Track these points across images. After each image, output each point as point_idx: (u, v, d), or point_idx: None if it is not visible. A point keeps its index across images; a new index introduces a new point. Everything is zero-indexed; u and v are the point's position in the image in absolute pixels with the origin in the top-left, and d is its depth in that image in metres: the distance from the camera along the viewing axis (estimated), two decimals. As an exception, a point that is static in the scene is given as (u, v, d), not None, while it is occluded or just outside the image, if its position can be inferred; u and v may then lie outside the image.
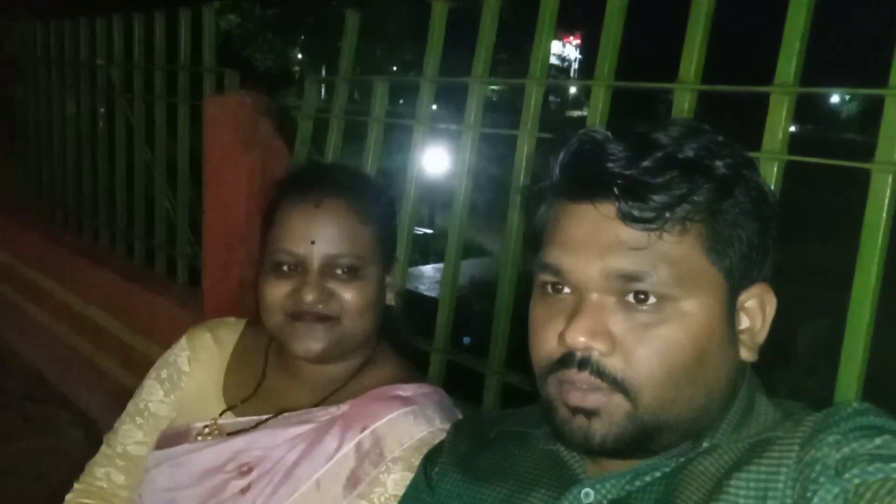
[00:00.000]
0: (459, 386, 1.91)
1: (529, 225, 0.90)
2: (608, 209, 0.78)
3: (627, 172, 0.77)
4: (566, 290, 0.82)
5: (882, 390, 1.14)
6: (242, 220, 2.50)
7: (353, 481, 1.14)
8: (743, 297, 0.83)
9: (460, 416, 1.21)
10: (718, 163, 0.79)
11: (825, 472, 0.72)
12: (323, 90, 2.78)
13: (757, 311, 0.84)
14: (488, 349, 1.83)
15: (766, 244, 0.83)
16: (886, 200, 1.21)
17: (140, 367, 3.04)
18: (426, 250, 10.52)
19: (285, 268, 1.18)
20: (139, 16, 3.27)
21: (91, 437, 3.13)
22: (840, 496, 0.69)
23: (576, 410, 0.80)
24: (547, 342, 0.83)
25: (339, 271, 1.17)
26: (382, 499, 1.11)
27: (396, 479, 1.12)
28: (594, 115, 1.64)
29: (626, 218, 0.77)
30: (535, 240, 0.89)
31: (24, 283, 4.14)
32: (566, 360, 0.80)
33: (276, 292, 1.18)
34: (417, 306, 1.45)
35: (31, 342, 4.00)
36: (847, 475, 0.70)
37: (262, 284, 1.20)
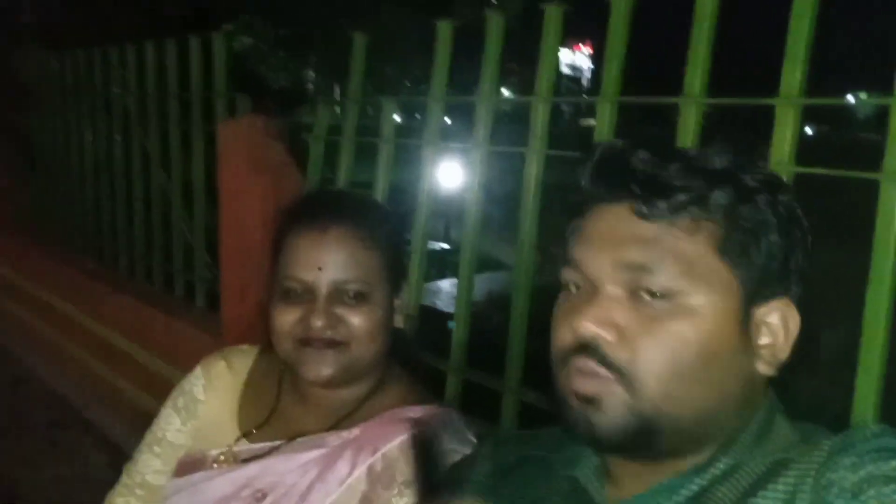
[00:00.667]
0: (479, 404, 1.92)
1: (556, 238, 0.92)
2: (627, 207, 0.82)
3: (646, 172, 0.81)
4: (584, 287, 0.84)
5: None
6: (258, 243, 2.52)
7: None
8: (763, 309, 0.82)
9: (471, 436, 1.21)
10: (746, 175, 0.81)
11: (842, 495, 0.71)
12: (337, 108, 2.81)
13: (779, 327, 0.83)
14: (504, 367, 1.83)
15: (790, 259, 0.83)
16: (896, 210, 1.20)
17: (161, 391, 3.06)
18: (442, 265, 10.48)
19: (293, 294, 1.19)
20: (151, 44, 3.32)
21: (115, 462, 3.12)
22: None
23: (582, 399, 0.82)
24: (563, 335, 0.84)
25: (346, 297, 1.18)
26: None
27: (409, 503, 1.12)
28: (601, 130, 1.64)
29: (641, 214, 0.80)
30: (564, 251, 0.90)
31: (46, 309, 4.19)
32: (577, 348, 0.82)
33: (286, 319, 1.19)
34: (435, 322, 1.45)
35: (55, 368, 4.04)
36: (863, 497, 0.69)
37: (271, 311, 1.21)
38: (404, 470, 1.14)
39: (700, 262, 0.80)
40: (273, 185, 2.51)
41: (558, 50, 1.73)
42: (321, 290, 1.17)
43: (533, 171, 1.77)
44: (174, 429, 1.33)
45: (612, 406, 0.80)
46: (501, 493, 0.97)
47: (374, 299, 1.20)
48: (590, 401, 0.81)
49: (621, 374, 0.80)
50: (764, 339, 0.83)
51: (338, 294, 1.18)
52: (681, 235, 0.80)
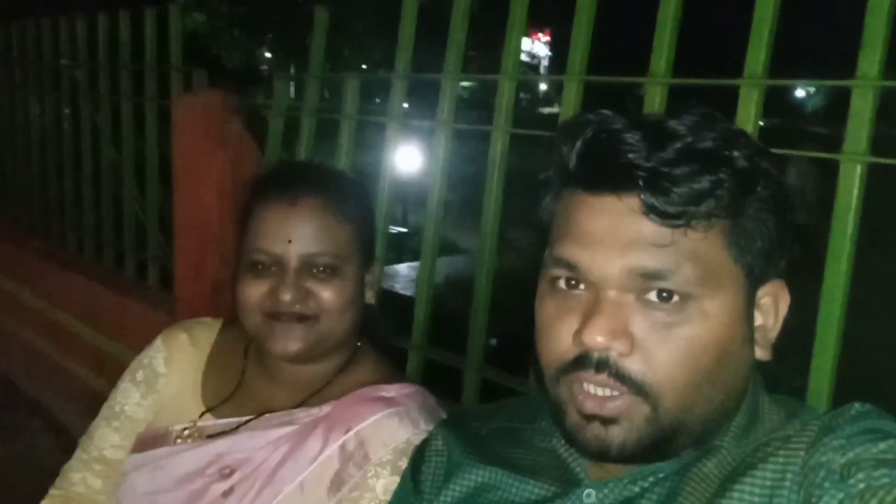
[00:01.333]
0: (438, 382, 1.92)
1: (532, 215, 0.86)
2: (631, 202, 0.75)
3: (649, 164, 0.74)
4: (581, 286, 0.78)
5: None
6: (214, 220, 2.47)
7: (336, 483, 1.13)
8: (760, 293, 0.81)
9: (443, 415, 1.21)
10: (737, 153, 0.76)
11: (830, 477, 0.70)
12: (293, 89, 2.76)
13: (770, 308, 0.82)
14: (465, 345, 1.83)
15: (786, 238, 0.81)
16: (855, 190, 1.23)
17: (112, 371, 3.00)
18: (400, 249, 10.47)
19: (261, 267, 1.16)
20: (103, 15, 3.22)
21: (63, 444, 3.08)
22: (845, 501, 0.68)
23: (591, 418, 0.77)
24: (560, 341, 0.78)
25: (316, 270, 1.16)
26: None
27: (385, 484, 1.11)
28: (567, 110, 1.64)
29: (651, 212, 0.74)
30: (539, 230, 0.85)
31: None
32: (582, 361, 0.76)
33: (253, 292, 1.17)
34: (393, 305, 1.44)
35: (0, 348, 3.93)
36: (852, 480, 0.69)
37: (238, 285, 1.18)
38: (378, 450, 1.13)
39: (713, 263, 0.76)
40: (231, 161, 2.46)
41: (525, 26, 1.72)
42: (290, 263, 1.15)
43: (498, 150, 1.77)
44: (133, 402, 1.30)
45: (632, 422, 0.76)
46: (476, 463, 0.95)
47: (344, 273, 1.18)
48: (605, 421, 0.76)
49: (637, 387, 0.75)
50: (758, 321, 0.82)
51: (307, 267, 1.16)
52: (695, 237, 0.74)
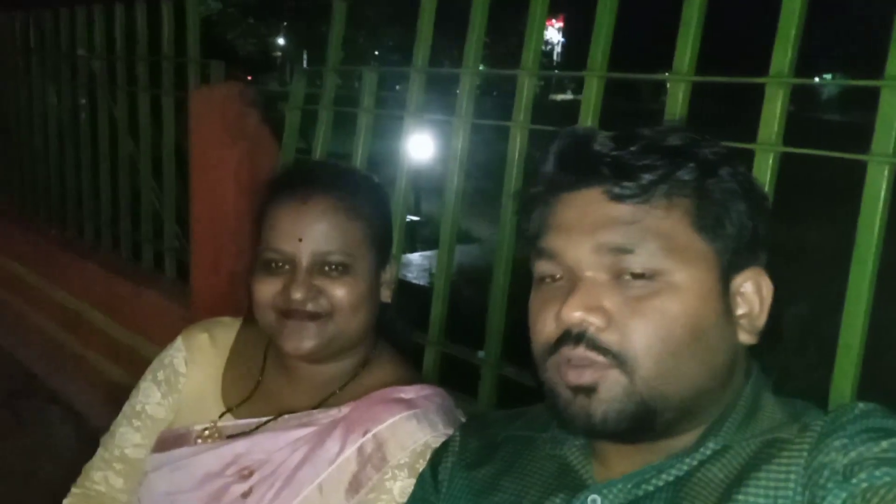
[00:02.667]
0: (456, 378, 1.92)
1: (524, 227, 0.91)
2: (598, 190, 0.82)
3: (614, 154, 0.81)
4: (561, 278, 0.84)
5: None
6: (231, 213, 2.48)
7: (354, 485, 1.13)
8: (738, 280, 0.84)
9: (463, 419, 1.20)
10: (703, 150, 0.83)
11: (833, 478, 0.72)
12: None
13: (753, 295, 0.85)
14: (483, 341, 1.83)
15: (757, 227, 0.85)
16: (882, 192, 1.21)
17: (129, 361, 3.04)
18: (413, 238, 10.47)
19: (274, 266, 1.16)
20: (121, 5, 3.22)
21: (81, 432, 3.11)
22: (848, 501, 0.69)
23: (576, 391, 0.81)
24: (545, 327, 0.84)
25: (328, 268, 1.15)
26: None
27: (402, 486, 1.10)
28: (587, 105, 1.63)
29: (615, 197, 0.81)
30: (530, 242, 0.90)
31: (8, 277, 4.10)
32: (563, 338, 0.81)
33: (267, 290, 1.17)
34: (406, 295, 1.43)
35: (19, 338, 3.96)
36: (854, 480, 0.70)
37: (252, 283, 1.18)
38: (396, 452, 1.13)
39: (678, 240, 0.80)
40: (248, 154, 2.47)
41: (545, 21, 1.70)
42: (301, 262, 1.15)
43: (517, 145, 1.76)
44: (154, 402, 1.30)
45: (610, 391, 0.79)
46: (488, 471, 0.97)
47: (357, 271, 1.17)
48: (586, 390, 0.80)
49: (615, 358, 0.79)
50: (741, 309, 0.84)
51: (319, 265, 1.15)
52: (657, 214, 0.80)
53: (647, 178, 0.80)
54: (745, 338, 0.84)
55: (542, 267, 0.86)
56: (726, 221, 0.82)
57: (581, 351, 0.80)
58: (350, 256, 1.16)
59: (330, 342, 1.18)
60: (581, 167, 0.83)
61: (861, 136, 1.27)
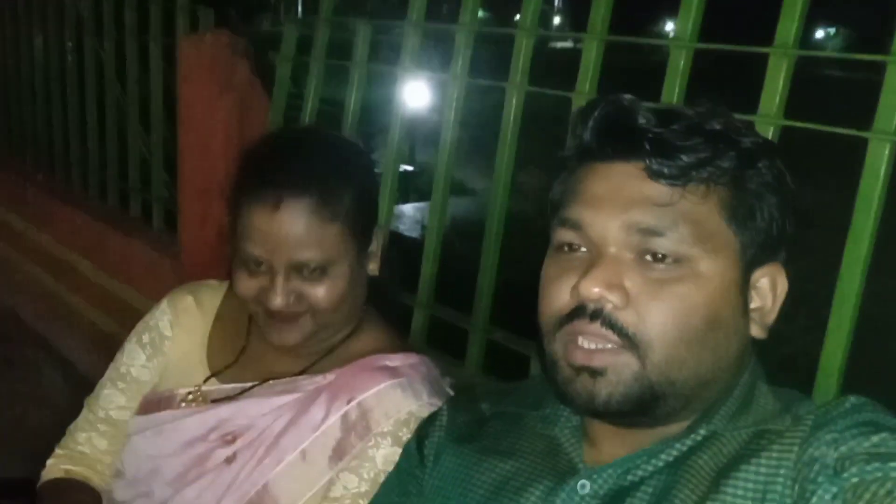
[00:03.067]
0: (445, 340, 1.91)
1: (549, 189, 0.90)
2: (636, 166, 0.80)
3: (657, 131, 0.79)
4: (583, 249, 0.82)
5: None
6: (220, 166, 2.43)
7: (338, 452, 1.13)
8: (757, 274, 0.83)
9: (448, 389, 1.20)
10: (744, 138, 0.82)
11: (824, 472, 0.72)
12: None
13: (768, 291, 0.84)
14: (472, 304, 1.82)
15: (785, 223, 0.84)
16: (882, 170, 1.19)
17: (117, 310, 3.02)
18: (406, 188, 10.33)
19: (253, 266, 1.13)
20: (108, -54, 3.12)
21: (69, 378, 3.11)
22: (839, 496, 0.69)
23: (580, 370, 0.80)
24: (559, 297, 0.82)
25: (306, 271, 1.12)
26: (371, 474, 1.11)
27: (385, 454, 1.11)
28: (586, 69, 1.59)
29: (654, 175, 0.78)
30: (552, 206, 0.88)
31: (-5, 222, 4.06)
32: (577, 311, 0.80)
33: (248, 287, 1.15)
34: (398, 247, 1.41)
35: (6, 283, 3.94)
36: (845, 474, 0.70)
37: (235, 273, 1.16)
38: (380, 420, 1.13)
39: (710, 228, 0.79)
40: (238, 105, 2.42)
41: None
42: (277, 269, 1.11)
43: (513, 107, 1.72)
44: (139, 364, 1.29)
45: (619, 374, 0.78)
46: (474, 446, 0.96)
47: (335, 271, 1.14)
48: (593, 372, 0.79)
49: (627, 338, 0.78)
50: (755, 303, 0.84)
51: (297, 269, 1.12)
52: (694, 199, 0.79)
53: (688, 160, 0.78)
54: (756, 332, 0.84)
55: (564, 235, 0.83)
56: (758, 214, 0.81)
57: (596, 327, 0.78)
58: (327, 259, 1.12)
59: (314, 333, 1.17)
60: (623, 139, 0.81)
61: (863, 94, 1.24)
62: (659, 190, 0.78)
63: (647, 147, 0.78)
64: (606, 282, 0.78)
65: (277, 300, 1.11)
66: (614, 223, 0.79)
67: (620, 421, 0.83)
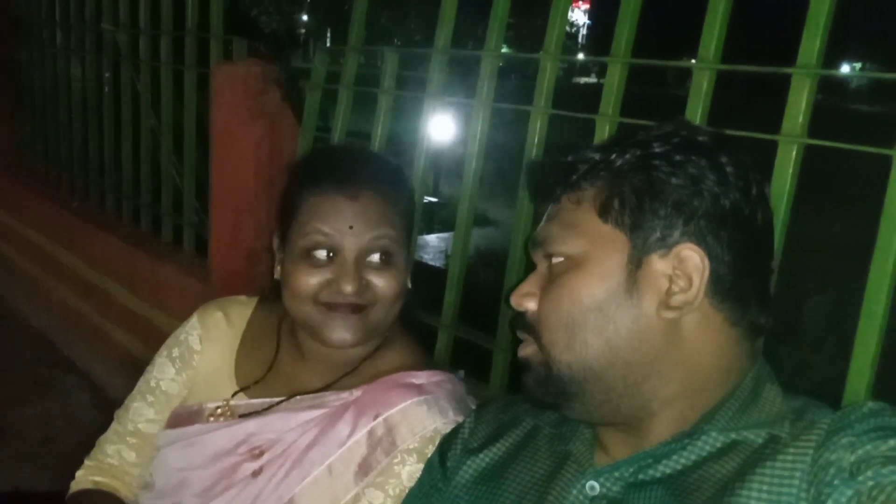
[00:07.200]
0: (469, 361, 1.92)
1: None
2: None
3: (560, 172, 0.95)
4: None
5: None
6: (251, 191, 2.48)
7: (364, 468, 1.14)
8: (653, 258, 0.85)
9: (473, 406, 1.20)
10: (624, 152, 0.91)
11: (839, 475, 0.72)
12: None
13: (673, 270, 0.85)
14: (496, 325, 1.83)
15: (695, 212, 0.85)
16: (907, 188, 1.18)
17: (146, 334, 3.07)
18: (430, 219, 10.43)
19: (317, 256, 1.16)
20: (145, -21, 3.22)
21: (97, 401, 3.16)
22: (854, 498, 0.69)
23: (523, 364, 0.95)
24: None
25: (373, 259, 1.17)
26: (397, 490, 1.11)
27: (411, 471, 1.11)
28: (609, 91, 1.61)
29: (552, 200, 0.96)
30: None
31: (30, 246, 4.14)
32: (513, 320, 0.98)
33: (310, 281, 1.17)
34: (422, 276, 1.44)
35: (39, 306, 4.01)
36: (861, 477, 0.70)
37: (292, 272, 1.18)
38: (406, 437, 1.13)
39: (585, 227, 0.90)
40: (268, 132, 2.47)
41: (571, 3, 1.68)
42: (350, 255, 1.16)
43: (536, 130, 1.74)
44: (168, 378, 1.31)
45: (531, 362, 0.92)
46: (495, 459, 0.99)
47: (397, 262, 1.19)
48: (523, 364, 0.94)
49: (532, 333, 0.91)
50: (660, 286, 0.85)
51: (364, 258, 1.17)
52: (569, 207, 0.92)
53: (557, 175, 0.94)
54: (667, 314, 0.85)
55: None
56: (635, 208, 0.87)
57: (519, 332, 0.94)
58: (393, 249, 1.19)
59: (369, 333, 1.20)
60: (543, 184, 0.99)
61: (890, 127, 1.24)
62: (549, 208, 0.96)
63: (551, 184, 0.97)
64: (520, 292, 0.95)
65: (350, 286, 1.15)
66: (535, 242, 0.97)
67: (558, 408, 0.92)
